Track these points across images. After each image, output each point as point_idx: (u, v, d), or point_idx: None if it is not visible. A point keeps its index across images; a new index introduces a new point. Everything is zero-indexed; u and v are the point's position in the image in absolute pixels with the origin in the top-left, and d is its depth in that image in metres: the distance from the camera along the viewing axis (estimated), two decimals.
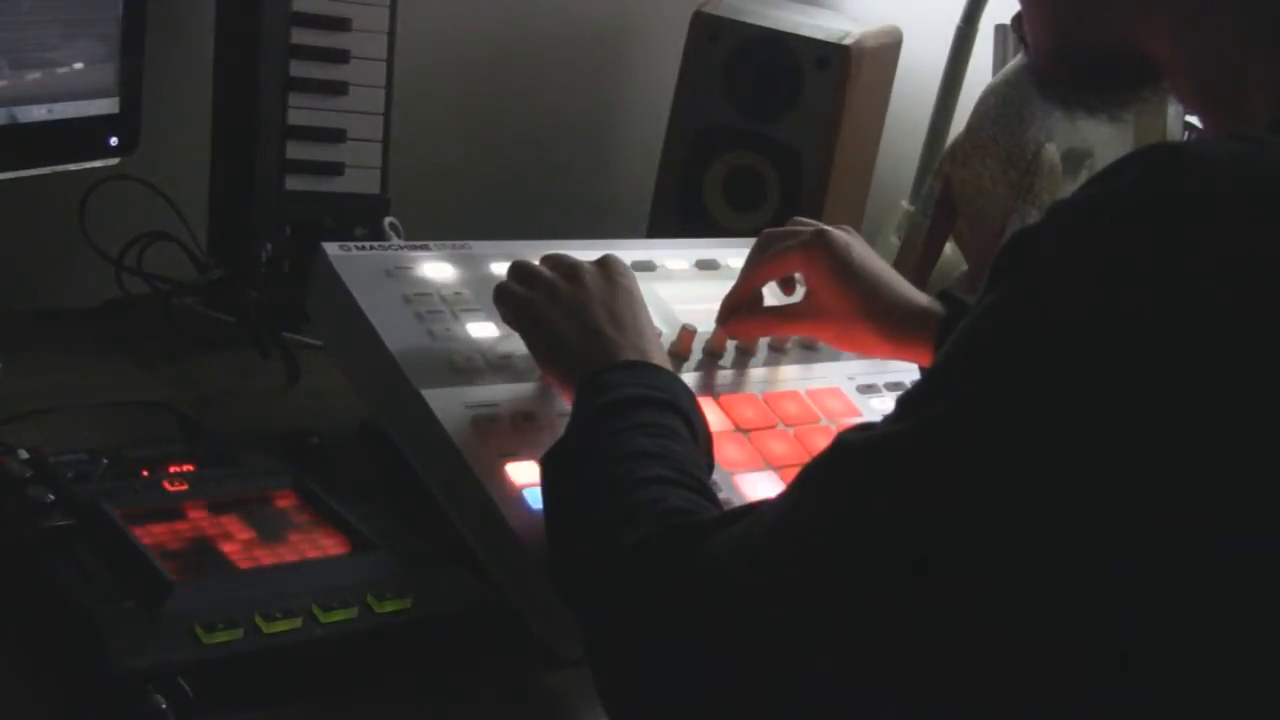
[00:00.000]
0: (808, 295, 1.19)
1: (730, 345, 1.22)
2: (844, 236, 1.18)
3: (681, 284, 1.28)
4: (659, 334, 1.07)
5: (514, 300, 1.08)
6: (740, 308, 1.20)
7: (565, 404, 1.03)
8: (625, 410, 0.94)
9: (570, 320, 1.03)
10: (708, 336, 1.21)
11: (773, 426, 1.17)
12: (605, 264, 1.09)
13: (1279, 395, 0.64)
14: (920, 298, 1.18)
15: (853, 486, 0.73)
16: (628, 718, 0.82)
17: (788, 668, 0.73)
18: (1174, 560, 0.66)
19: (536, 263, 1.10)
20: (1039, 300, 0.69)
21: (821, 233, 1.17)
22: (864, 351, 1.21)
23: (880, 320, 1.16)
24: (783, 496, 0.78)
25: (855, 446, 0.74)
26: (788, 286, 1.22)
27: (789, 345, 1.25)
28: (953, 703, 0.71)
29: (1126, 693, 0.68)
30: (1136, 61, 0.84)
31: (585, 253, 1.13)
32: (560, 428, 1.04)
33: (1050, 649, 0.68)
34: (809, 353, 1.26)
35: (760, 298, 1.21)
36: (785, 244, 1.18)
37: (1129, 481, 0.66)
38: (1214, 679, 0.67)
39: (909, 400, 0.74)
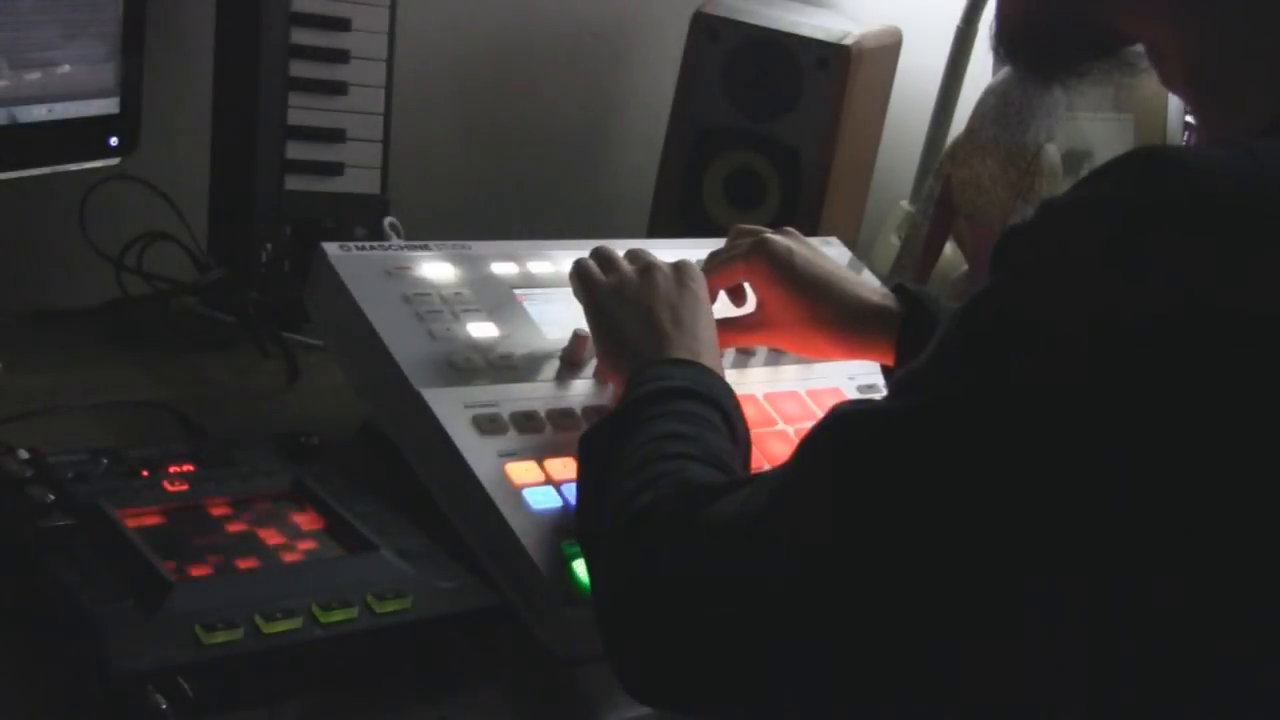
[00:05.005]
0: (758, 306, 1.18)
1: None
2: (784, 242, 1.16)
3: None
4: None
5: (587, 280, 1.10)
6: None
7: (595, 399, 1.05)
8: (665, 399, 0.95)
9: (632, 313, 1.05)
10: None
11: (773, 426, 1.17)
12: (679, 268, 1.10)
13: (1262, 388, 0.65)
14: (872, 295, 1.16)
15: (849, 455, 0.74)
16: (628, 664, 0.84)
17: (784, 629, 0.75)
18: (1172, 552, 0.66)
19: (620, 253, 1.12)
20: (1029, 292, 0.71)
21: (761, 242, 1.16)
22: (822, 356, 1.20)
23: (832, 325, 1.15)
24: (783, 464, 0.80)
25: (853, 417, 0.76)
26: (737, 297, 1.19)
27: None
28: (946, 666, 0.71)
29: (1126, 683, 0.68)
30: (1099, 35, 0.85)
31: (584, 253, 1.13)
32: (560, 428, 1.06)
33: (1048, 633, 0.69)
34: None
35: None
36: (726, 256, 1.17)
37: (1113, 466, 0.66)
38: (1211, 678, 0.67)
39: (905, 381, 0.75)
